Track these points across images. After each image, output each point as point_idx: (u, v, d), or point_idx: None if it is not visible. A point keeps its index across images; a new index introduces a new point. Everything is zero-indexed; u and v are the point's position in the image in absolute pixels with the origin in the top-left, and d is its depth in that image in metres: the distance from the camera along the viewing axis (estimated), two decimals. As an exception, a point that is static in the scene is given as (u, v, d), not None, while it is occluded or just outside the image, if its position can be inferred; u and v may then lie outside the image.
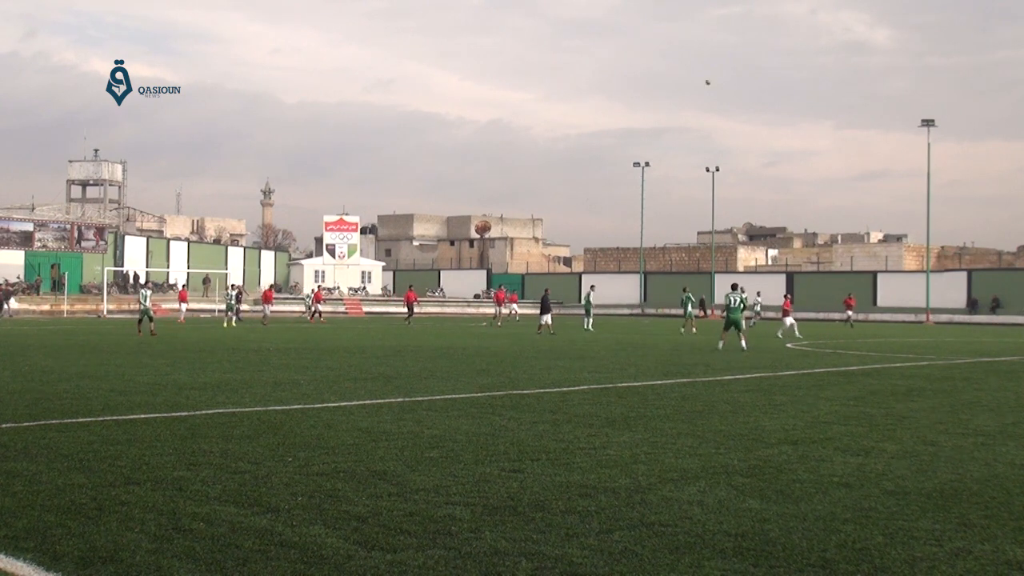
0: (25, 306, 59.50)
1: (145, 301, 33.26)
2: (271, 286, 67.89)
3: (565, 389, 14.76)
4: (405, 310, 51.23)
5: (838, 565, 5.27)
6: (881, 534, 5.93)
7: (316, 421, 10.65)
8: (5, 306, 55.89)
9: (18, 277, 65.55)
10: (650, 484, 7.34)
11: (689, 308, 42.82)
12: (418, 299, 57.19)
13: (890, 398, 13.98)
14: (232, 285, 54.34)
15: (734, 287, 28.29)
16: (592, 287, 46.70)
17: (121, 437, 9.29)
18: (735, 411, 12.11)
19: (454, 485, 7.16)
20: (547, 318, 38.63)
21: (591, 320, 42.26)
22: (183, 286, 63.93)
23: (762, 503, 6.72)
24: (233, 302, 46.98)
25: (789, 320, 37.86)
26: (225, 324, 43.75)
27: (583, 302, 43.71)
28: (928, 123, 69.51)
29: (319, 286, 72.91)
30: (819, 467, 8.15)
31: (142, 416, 10.90)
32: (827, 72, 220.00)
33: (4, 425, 9.98)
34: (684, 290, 45.50)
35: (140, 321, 32.80)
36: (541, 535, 5.77)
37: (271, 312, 49.77)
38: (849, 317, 52.92)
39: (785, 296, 41.43)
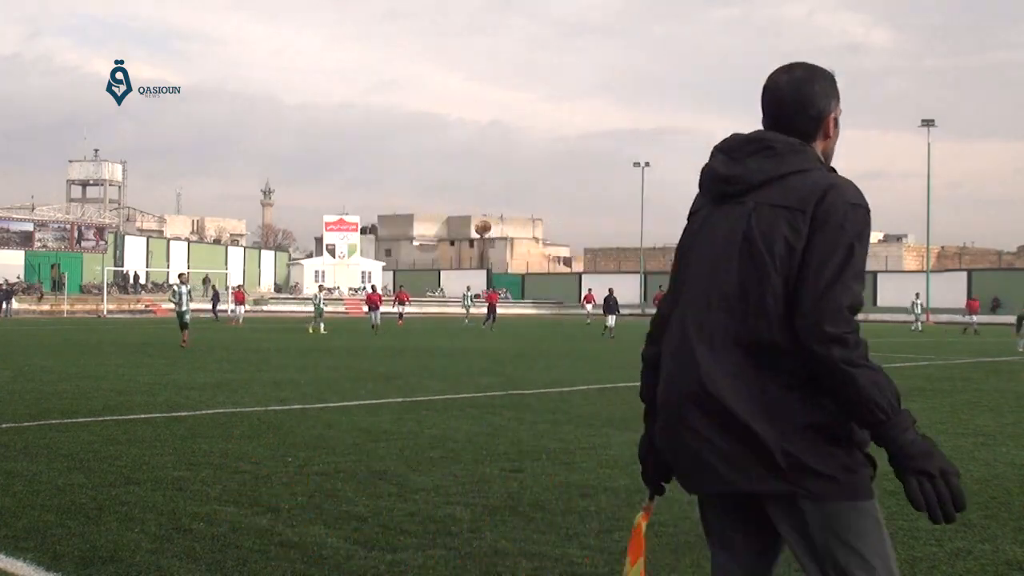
0: (25, 306, 59.51)
1: (180, 302, 25.90)
2: (400, 287, 62.83)
3: (565, 389, 14.76)
4: (485, 311, 47.94)
5: (838, 565, 5.26)
6: (881, 534, 5.91)
7: (316, 421, 10.64)
8: (5, 305, 55.93)
9: (18, 277, 65.58)
10: (650, 484, 7.32)
11: (468, 303, 48.72)
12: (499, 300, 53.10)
13: (890, 398, 13.95)
14: (320, 286, 46.08)
15: None
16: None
17: (121, 437, 9.28)
18: (735, 411, 12.09)
19: (454, 485, 7.15)
20: (612, 319, 36.30)
21: None
22: (238, 286, 55.92)
23: (762, 503, 6.70)
24: (322, 304, 39.54)
25: None
26: (310, 329, 36.91)
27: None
28: (928, 123, 69.56)
29: (402, 287, 68.56)
30: (819, 467, 8.13)
31: (142, 416, 10.89)
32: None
33: (4, 425, 9.97)
34: (468, 288, 48.82)
35: (183, 328, 25.63)
36: (541, 535, 5.76)
37: (406, 313, 45.13)
38: (973, 322, 46.96)
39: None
